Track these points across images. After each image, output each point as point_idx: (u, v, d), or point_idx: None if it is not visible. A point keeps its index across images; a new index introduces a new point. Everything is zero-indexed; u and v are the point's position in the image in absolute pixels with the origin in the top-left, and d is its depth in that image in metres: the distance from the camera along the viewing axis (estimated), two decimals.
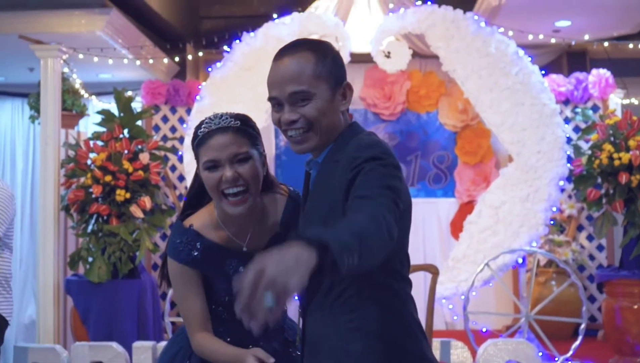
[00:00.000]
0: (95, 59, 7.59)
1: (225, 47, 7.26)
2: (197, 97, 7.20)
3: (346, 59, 7.21)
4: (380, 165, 2.20)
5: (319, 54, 2.36)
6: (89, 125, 8.67)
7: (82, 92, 7.93)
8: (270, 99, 2.39)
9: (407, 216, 2.36)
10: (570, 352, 5.92)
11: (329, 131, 2.38)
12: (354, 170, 2.21)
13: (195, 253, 2.70)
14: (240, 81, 6.98)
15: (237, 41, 7.14)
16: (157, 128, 8.40)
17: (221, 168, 2.64)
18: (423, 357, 2.37)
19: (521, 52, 6.89)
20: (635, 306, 6.12)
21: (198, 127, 2.71)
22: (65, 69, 7.64)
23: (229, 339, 2.77)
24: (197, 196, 2.85)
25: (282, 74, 2.34)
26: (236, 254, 2.74)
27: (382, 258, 2.06)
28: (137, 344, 5.66)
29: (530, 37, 7.84)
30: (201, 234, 2.72)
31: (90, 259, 6.47)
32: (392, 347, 2.31)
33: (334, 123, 2.38)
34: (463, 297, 6.20)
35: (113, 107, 6.88)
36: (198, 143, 2.69)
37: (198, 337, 2.73)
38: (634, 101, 8.57)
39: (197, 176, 2.80)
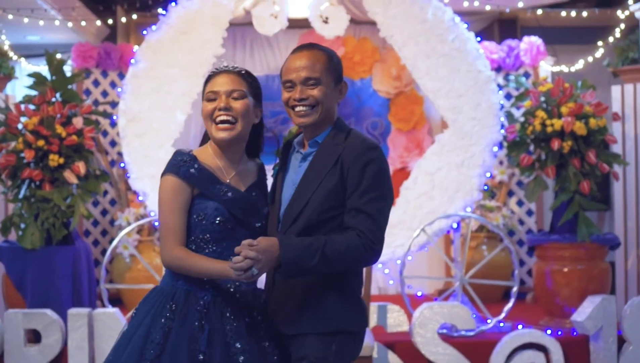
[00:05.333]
0: (26, 20, 7.39)
1: (160, 10, 7.13)
2: (132, 60, 7.04)
3: (284, 24, 7.16)
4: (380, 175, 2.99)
5: (329, 56, 3.10)
6: (17, 88, 8.44)
7: (11, 54, 7.71)
8: (285, 81, 3.08)
9: None
10: (503, 314, 6.06)
11: (327, 114, 3.08)
12: (361, 170, 2.96)
13: (193, 170, 3.07)
14: (176, 44, 6.84)
15: (173, 4, 7.01)
16: (88, 92, 8.20)
17: (218, 100, 3.09)
18: (364, 306, 3.16)
19: (457, 19, 6.95)
20: (565, 269, 6.28)
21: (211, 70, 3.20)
22: None
23: None
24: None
25: (299, 63, 3.05)
26: (224, 183, 3.11)
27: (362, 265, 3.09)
28: (73, 311, 5.61)
29: (466, 4, 7.90)
30: (197, 158, 3.11)
31: (22, 225, 6.32)
32: (351, 298, 3.08)
33: (331, 109, 3.11)
34: (399, 262, 6.28)
35: (43, 70, 6.71)
36: (206, 81, 3.16)
37: (177, 251, 3.03)
38: (564, 69, 8.73)
39: None
